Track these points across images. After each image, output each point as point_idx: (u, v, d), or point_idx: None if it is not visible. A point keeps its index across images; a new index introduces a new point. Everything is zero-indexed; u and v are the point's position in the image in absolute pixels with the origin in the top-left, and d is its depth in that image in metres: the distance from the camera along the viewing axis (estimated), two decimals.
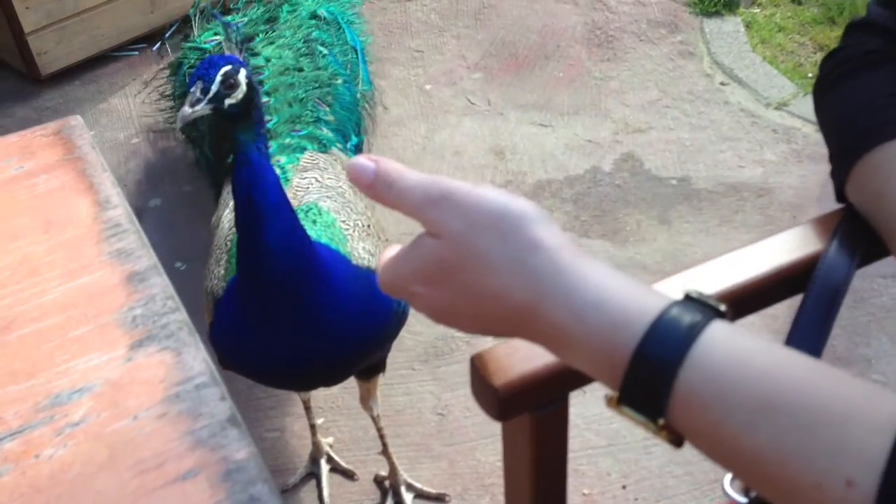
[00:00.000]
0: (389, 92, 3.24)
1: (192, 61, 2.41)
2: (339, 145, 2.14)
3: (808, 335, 0.79)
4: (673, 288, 0.80)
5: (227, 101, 1.36)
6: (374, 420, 1.98)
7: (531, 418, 0.76)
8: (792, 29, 3.55)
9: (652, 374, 0.51)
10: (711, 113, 3.13)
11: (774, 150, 2.93)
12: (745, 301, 0.83)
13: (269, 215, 1.40)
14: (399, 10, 3.84)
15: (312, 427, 2.06)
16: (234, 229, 1.56)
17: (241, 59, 1.42)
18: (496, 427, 0.81)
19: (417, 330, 2.36)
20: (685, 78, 3.31)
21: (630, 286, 0.54)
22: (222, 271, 1.64)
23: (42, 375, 0.78)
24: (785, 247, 0.86)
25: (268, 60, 2.23)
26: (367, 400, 1.94)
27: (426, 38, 3.66)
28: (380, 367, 1.86)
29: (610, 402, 0.54)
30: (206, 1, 2.47)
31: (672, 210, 2.73)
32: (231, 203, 1.55)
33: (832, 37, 3.41)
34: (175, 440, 0.72)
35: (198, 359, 0.80)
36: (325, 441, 2.10)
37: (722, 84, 3.27)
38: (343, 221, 1.69)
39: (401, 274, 0.59)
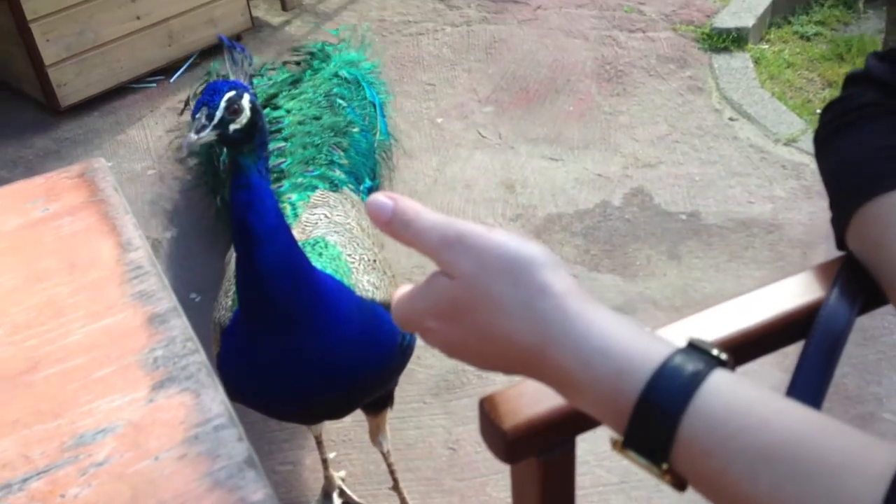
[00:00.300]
0: (402, 125, 3.29)
1: None
2: (350, 186, 2.17)
3: (810, 382, 0.81)
4: (676, 335, 0.83)
5: (232, 127, 1.35)
6: (385, 456, 1.99)
7: (539, 462, 0.78)
8: (800, 65, 3.58)
9: (656, 420, 0.53)
10: (721, 148, 3.15)
11: (784, 186, 2.95)
12: (748, 347, 0.85)
13: (265, 238, 1.39)
14: (411, 43, 3.90)
15: (324, 461, 2.07)
16: None
17: (245, 84, 1.41)
18: None
19: (429, 363, 2.38)
20: (694, 113, 3.34)
21: (634, 333, 0.56)
22: (230, 302, 1.65)
23: (67, 415, 0.81)
24: (787, 294, 0.88)
25: (289, 112, 2.28)
26: (376, 436, 1.96)
27: (438, 72, 3.71)
28: (387, 401, 1.86)
29: (615, 445, 0.56)
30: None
31: (682, 245, 2.75)
32: None
33: (840, 73, 3.44)
34: (194, 481, 0.74)
35: (216, 400, 0.82)
36: (338, 475, 2.11)
37: (731, 119, 3.30)
38: (349, 255, 1.70)
39: (415, 309, 0.61)
